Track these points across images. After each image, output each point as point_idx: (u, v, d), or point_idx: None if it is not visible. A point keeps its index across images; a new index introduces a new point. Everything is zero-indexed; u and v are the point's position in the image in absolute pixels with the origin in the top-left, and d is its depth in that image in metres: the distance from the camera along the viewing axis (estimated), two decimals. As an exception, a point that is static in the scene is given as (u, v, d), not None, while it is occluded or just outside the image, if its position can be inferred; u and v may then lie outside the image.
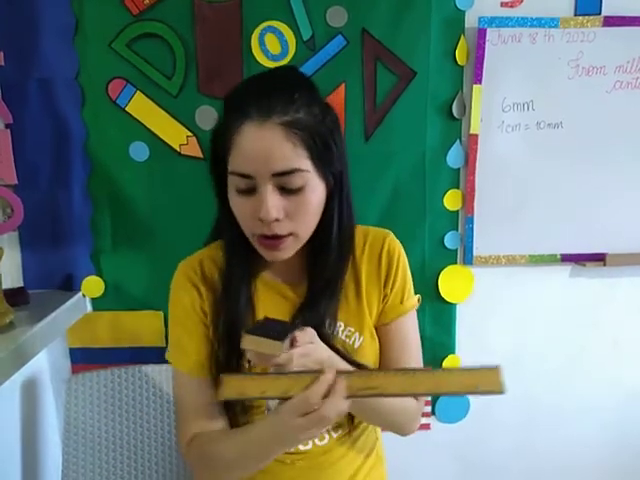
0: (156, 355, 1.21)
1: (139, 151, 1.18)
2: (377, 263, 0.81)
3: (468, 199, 1.24)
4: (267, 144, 0.65)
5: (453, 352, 1.33)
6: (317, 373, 0.60)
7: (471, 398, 1.37)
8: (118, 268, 1.23)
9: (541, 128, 1.21)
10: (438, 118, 1.20)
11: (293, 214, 0.68)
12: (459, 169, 1.24)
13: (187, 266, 0.81)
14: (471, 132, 1.21)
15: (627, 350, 1.38)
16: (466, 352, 1.33)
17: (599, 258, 1.30)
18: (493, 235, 1.28)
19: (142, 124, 1.17)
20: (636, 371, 1.40)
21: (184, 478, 1.17)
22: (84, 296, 1.24)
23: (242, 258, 0.76)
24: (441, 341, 1.32)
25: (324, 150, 0.69)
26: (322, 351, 0.67)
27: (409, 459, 1.36)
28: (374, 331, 0.81)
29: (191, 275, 0.80)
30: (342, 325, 0.78)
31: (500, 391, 0.57)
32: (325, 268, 0.76)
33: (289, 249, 0.72)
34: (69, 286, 1.22)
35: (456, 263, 1.29)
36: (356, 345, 0.78)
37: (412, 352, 0.83)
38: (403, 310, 0.82)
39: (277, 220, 0.67)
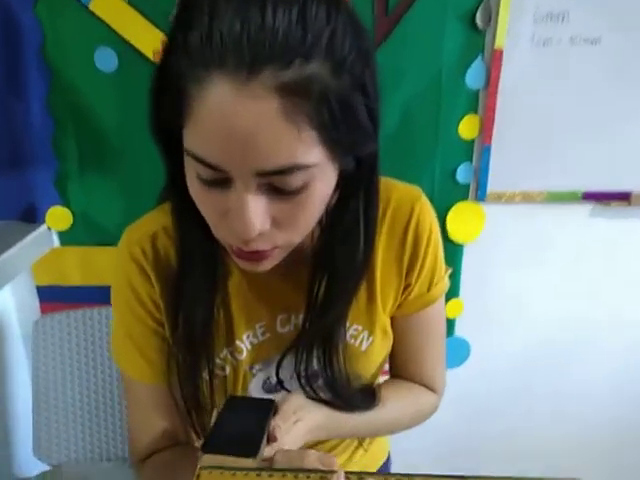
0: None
1: (106, 59, 1.00)
2: (400, 245, 0.60)
3: (486, 126, 1.10)
4: (250, 125, 0.38)
5: (457, 295, 1.23)
6: (325, 473, 0.42)
7: (471, 343, 1.30)
8: (86, 197, 1.09)
9: (575, 44, 1.05)
10: (458, 29, 1.03)
11: (285, 222, 0.45)
12: (478, 91, 1.08)
13: (134, 243, 0.60)
14: (495, 47, 1.04)
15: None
16: (470, 296, 1.24)
17: (624, 197, 1.18)
18: (510, 168, 1.15)
19: (109, 26, 0.98)
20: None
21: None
22: (49, 229, 1.10)
23: (203, 233, 0.51)
24: (445, 284, 1.21)
25: (347, 126, 0.42)
26: (312, 424, 0.55)
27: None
28: (388, 326, 0.65)
29: (138, 256, 0.59)
30: (347, 323, 0.61)
31: None
32: (344, 265, 0.55)
33: (275, 259, 0.50)
34: (32, 217, 1.08)
35: (467, 199, 1.16)
36: (363, 347, 0.63)
37: (436, 344, 0.69)
38: (430, 299, 0.65)
39: (259, 235, 0.45)
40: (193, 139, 0.42)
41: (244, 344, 0.62)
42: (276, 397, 0.62)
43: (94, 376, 1.04)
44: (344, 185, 0.50)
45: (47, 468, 1.06)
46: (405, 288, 0.63)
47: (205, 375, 0.59)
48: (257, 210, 0.43)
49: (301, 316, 0.60)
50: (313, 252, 0.56)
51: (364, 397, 0.62)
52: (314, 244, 0.56)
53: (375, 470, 0.81)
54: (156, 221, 0.60)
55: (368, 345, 0.63)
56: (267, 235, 0.45)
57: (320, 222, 0.52)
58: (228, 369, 0.62)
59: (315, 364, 0.58)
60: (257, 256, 0.48)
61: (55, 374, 1.03)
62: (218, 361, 0.61)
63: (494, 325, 1.30)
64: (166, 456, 0.63)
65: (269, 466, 0.43)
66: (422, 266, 0.62)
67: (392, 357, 0.69)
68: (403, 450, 0.94)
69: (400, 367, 0.70)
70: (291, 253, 0.52)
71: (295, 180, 0.42)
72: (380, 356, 0.66)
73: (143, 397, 0.63)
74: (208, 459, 0.41)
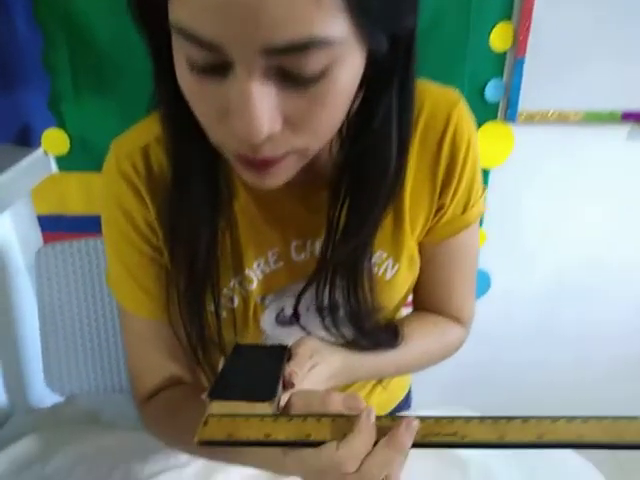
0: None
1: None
2: (434, 159, 0.52)
3: (521, 35, 0.98)
4: None
5: (480, 224, 1.16)
6: (351, 416, 0.35)
7: (492, 275, 1.24)
8: (83, 118, 1.00)
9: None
10: None
11: (299, 123, 0.37)
12: (514, -7, 0.96)
13: (123, 158, 0.52)
14: (537, -61, 0.91)
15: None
16: (494, 225, 1.17)
17: (667, 117, 1.08)
18: (545, 85, 1.04)
19: None
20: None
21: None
22: (46, 153, 1.03)
23: (200, 142, 0.43)
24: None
25: None
26: (331, 370, 0.49)
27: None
28: (416, 253, 0.58)
29: (129, 173, 0.51)
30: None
31: None
32: (372, 183, 0.46)
33: (287, 172, 0.41)
34: (27, 140, 1.01)
35: (495, 119, 1.07)
36: (388, 276, 0.56)
37: (467, 273, 0.62)
38: (464, 224, 0.57)
39: (268, 138, 0.36)
40: (181, 8, 0.33)
41: (254, 273, 0.55)
42: (290, 332, 0.57)
43: (102, 308, 1.00)
44: (373, 80, 0.40)
45: (61, 399, 1.05)
46: (437, 210, 0.55)
47: (211, 308, 0.53)
48: (264, 103, 0.34)
49: (318, 243, 0.54)
50: (333, 168, 0.48)
51: (388, 333, 0.56)
52: (334, 160, 0.48)
53: (394, 406, 0.77)
54: (148, 131, 0.52)
55: (393, 274, 0.57)
56: (278, 139, 0.37)
57: (341, 130, 0.44)
58: (237, 300, 0.56)
59: (338, 295, 0.51)
60: (266, 165, 0.39)
61: (61, 305, 0.99)
62: (226, 291, 0.55)
63: (517, 257, 1.23)
64: (170, 395, 0.58)
65: (286, 412, 0.37)
66: (458, 184, 0.54)
67: (417, 288, 0.63)
68: (419, 381, 0.91)
69: (426, 299, 0.64)
70: (306, 171, 0.44)
71: (312, 62, 0.33)
72: (405, 286, 0.59)
73: (143, 334, 0.58)
74: (217, 407, 0.36)
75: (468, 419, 0.33)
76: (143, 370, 0.59)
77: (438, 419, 0.34)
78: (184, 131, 0.44)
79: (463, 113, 0.52)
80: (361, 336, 0.53)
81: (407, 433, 0.33)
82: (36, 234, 1.13)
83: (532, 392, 1.37)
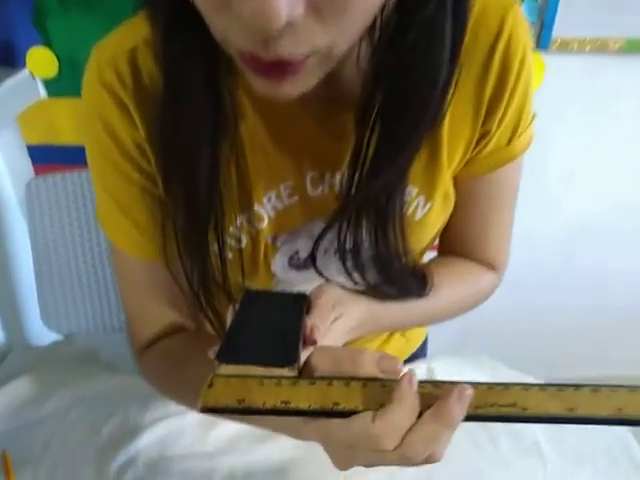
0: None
1: None
2: (481, 72, 0.44)
3: (564, -52, 0.87)
4: None
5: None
6: (387, 381, 0.30)
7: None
8: (71, 36, 0.91)
9: None
10: None
11: (328, 8, 0.29)
12: None
13: (105, 65, 0.43)
14: None
15: None
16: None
17: None
18: (583, 9, 0.94)
19: None
20: None
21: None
22: (32, 75, 0.94)
23: (198, 40, 0.36)
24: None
25: None
26: (354, 321, 0.43)
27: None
28: (451, 189, 0.50)
29: (112, 83, 0.43)
30: None
31: None
32: (412, 102, 0.38)
33: (308, 80, 0.34)
34: (10, 59, 0.91)
35: (527, 47, 0.97)
36: (418, 215, 0.49)
37: (506, 213, 0.55)
38: (510, 155, 0.49)
39: (288, 27, 0.28)
40: None
41: (265, 209, 0.49)
42: (305, 277, 0.51)
43: (97, 244, 0.95)
44: None
45: (59, 338, 1.02)
46: (480, 138, 0.47)
47: (214, 248, 0.46)
48: None
49: (338, 175, 0.47)
50: (362, 83, 0.40)
51: (416, 280, 0.49)
52: (363, 72, 0.39)
53: (409, 354, 0.73)
54: (135, 32, 0.43)
55: (424, 213, 0.50)
56: (298, 30, 0.29)
57: (371, 32, 0.35)
58: (245, 240, 0.49)
59: (363, 237, 0.44)
60: (281, 70, 0.31)
61: (55, 240, 0.94)
62: (232, 230, 0.48)
63: (541, 200, 1.16)
64: (171, 345, 0.52)
65: (308, 374, 0.32)
66: (507, 106, 0.45)
67: (447, 229, 0.56)
68: (434, 328, 0.86)
69: (456, 242, 0.57)
70: (327, 85, 0.36)
71: None
72: (436, 227, 0.53)
73: (138, 276, 0.52)
74: (227, 370, 0.30)
75: (526, 386, 0.28)
76: (139, 316, 0.54)
77: (491, 386, 0.28)
78: (178, 25, 0.35)
79: (519, 17, 0.43)
80: (387, 282, 0.47)
81: (459, 404, 0.28)
82: (27, 166, 1.06)
83: (550, 339, 1.35)
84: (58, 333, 1.01)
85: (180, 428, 0.60)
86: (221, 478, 0.55)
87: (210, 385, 0.29)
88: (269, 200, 0.48)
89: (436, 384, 0.29)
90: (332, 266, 0.47)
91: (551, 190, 1.15)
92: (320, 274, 0.48)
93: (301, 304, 0.39)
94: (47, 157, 1.04)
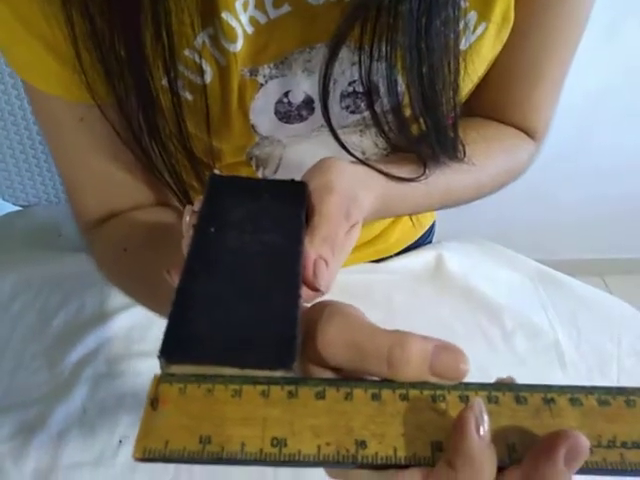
0: None
1: None
2: None
3: None
4: None
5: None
6: (441, 394, 0.17)
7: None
8: None
9: None
10: None
11: None
12: None
13: None
14: None
15: None
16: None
17: None
18: None
19: None
20: None
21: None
22: None
23: None
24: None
25: None
26: (369, 208, 0.29)
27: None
28: (512, 9, 0.35)
29: None
30: None
31: None
32: None
33: None
34: None
35: None
36: (468, 40, 0.34)
37: (561, 63, 0.42)
38: None
39: None
40: None
41: (237, 20, 0.32)
42: (297, 131, 0.37)
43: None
44: None
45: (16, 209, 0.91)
46: None
47: (164, 82, 0.32)
48: None
49: None
50: None
51: (454, 140, 0.35)
52: None
53: (416, 238, 0.62)
54: None
55: (475, 38, 0.35)
56: None
57: None
58: (210, 72, 0.34)
59: (397, 66, 0.30)
60: None
61: (8, 101, 0.78)
62: (187, 52, 0.33)
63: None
64: (123, 234, 0.39)
65: (309, 356, 0.19)
66: None
67: (486, 78, 0.41)
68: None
69: (495, 96, 0.43)
70: None
71: None
72: (486, 61, 0.38)
73: (68, 126, 0.37)
74: (180, 370, 0.17)
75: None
76: (78, 183, 0.41)
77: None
78: None
79: None
80: (424, 138, 0.33)
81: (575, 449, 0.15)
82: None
83: (555, 224, 1.28)
84: (14, 204, 0.90)
85: (148, 320, 0.51)
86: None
87: (153, 405, 0.16)
88: (244, 6, 0.32)
89: (518, 400, 0.17)
90: (342, 116, 0.33)
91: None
92: (332, 129, 0.33)
93: (299, 203, 0.24)
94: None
